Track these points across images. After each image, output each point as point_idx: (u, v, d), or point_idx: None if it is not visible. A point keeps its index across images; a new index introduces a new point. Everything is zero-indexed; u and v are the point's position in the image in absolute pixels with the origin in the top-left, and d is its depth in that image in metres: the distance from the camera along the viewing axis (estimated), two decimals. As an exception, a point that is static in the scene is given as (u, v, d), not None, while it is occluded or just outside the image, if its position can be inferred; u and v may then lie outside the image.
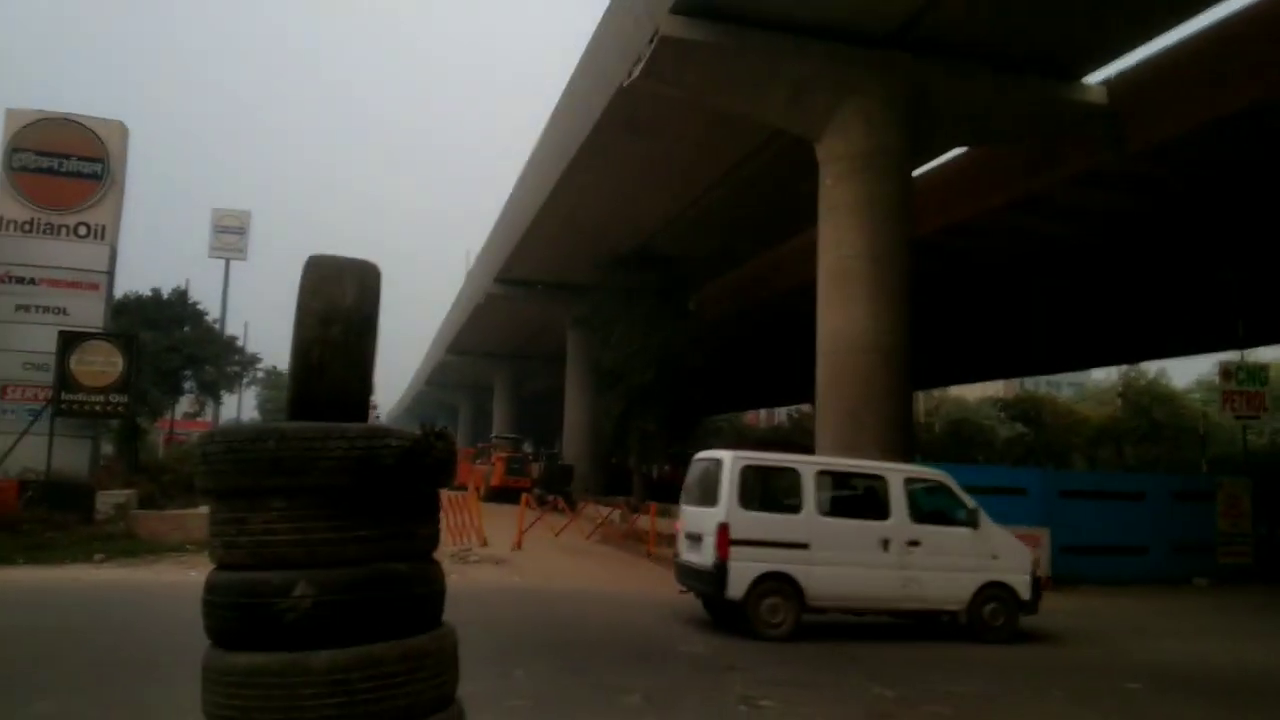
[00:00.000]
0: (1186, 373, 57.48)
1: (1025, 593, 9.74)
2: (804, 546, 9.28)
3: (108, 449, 21.27)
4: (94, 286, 18.04)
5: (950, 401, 52.77)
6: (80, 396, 16.18)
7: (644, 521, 18.45)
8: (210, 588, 2.90)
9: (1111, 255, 20.57)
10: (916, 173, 16.57)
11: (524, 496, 19.44)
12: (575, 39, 21.15)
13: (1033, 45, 14.66)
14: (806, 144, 15.71)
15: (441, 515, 3.34)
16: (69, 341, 16.24)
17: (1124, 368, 40.08)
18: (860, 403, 14.11)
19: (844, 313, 14.48)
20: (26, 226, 17.80)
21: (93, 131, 18.43)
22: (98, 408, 16.48)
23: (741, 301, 29.83)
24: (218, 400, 38.55)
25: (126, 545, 13.46)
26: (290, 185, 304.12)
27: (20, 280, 17.58)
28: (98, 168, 18.27)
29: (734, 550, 9.09)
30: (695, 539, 9.80)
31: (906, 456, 13.87)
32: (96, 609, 9.35)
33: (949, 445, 34.47)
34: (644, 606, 11.28)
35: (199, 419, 40.46)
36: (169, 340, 28.89)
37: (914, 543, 9.52)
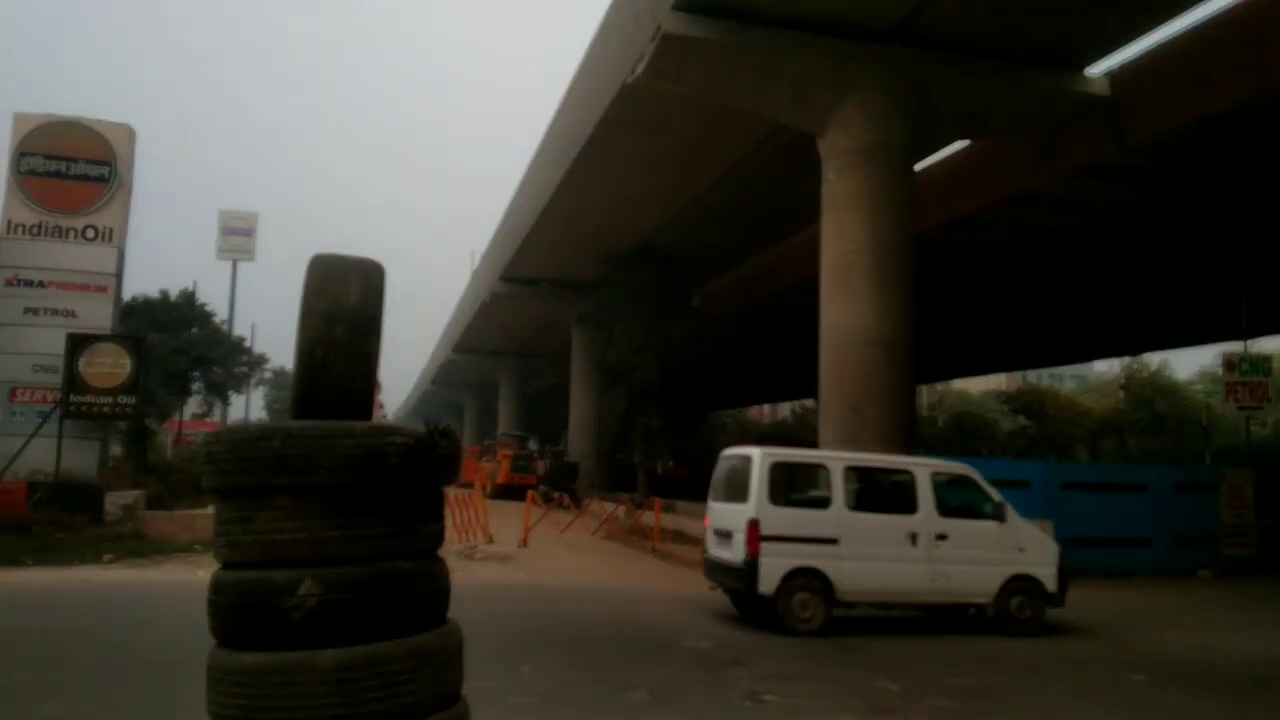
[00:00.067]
0: (1189, 364, 57.50)
1: (1051, 585, 9.84)
2: (833, 542, 9.37)
3: (116, 450, 21.39)
4: (102, 289, 18.15)
5: (953, 395, 52.69)
6: (89, 398, 16.29)
7: (649, 517, 18.49)
8: (215, 587, 2.91)
9: (1114, 247, 20.53)
10: (918, 167, 16.57)
11: (529, 493, 19.51)
12: (579, 39, 21.16)
13: (1032, 38, 14.63)
14: (806, 142, 15.72)
15: (447, 512, 3.38)
16: (77, 344, 16.35)
17: (1126, 360, 39.96)
18: (863, 397, 14.13)
19: (846, 307, 14.50)
20: (35, 230, 17.92)
21: (100, 134, 18.54)
22: (106, 409, 16.59)
23: (744, 298, 29.83)
24: (226, 401, 38.68)
25: (135, 546, 13.56)
26: (296, 186, 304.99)
27: (29, 283, 17.71)
28: (105, 170, 18.38)
29: (764, 546, 9.18)
30: (724, 535, 9.88)
31: (910, 450, 13.91)
32: (105, 610, 9.42)
33: (952, 439, 34.35)
34: (649, 602, 11.33)
35: (207, 420, 40.60)
36: (177, 342, 28.99)
37: (942, 536, 9.61)
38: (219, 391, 35.24)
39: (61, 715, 5.63)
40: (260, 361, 38.19)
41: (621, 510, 20.75)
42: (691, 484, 31.72)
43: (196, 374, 31.30)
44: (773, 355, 34.65)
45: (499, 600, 10.44)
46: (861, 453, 11.85)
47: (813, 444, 15.33)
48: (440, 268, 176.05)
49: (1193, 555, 15.88)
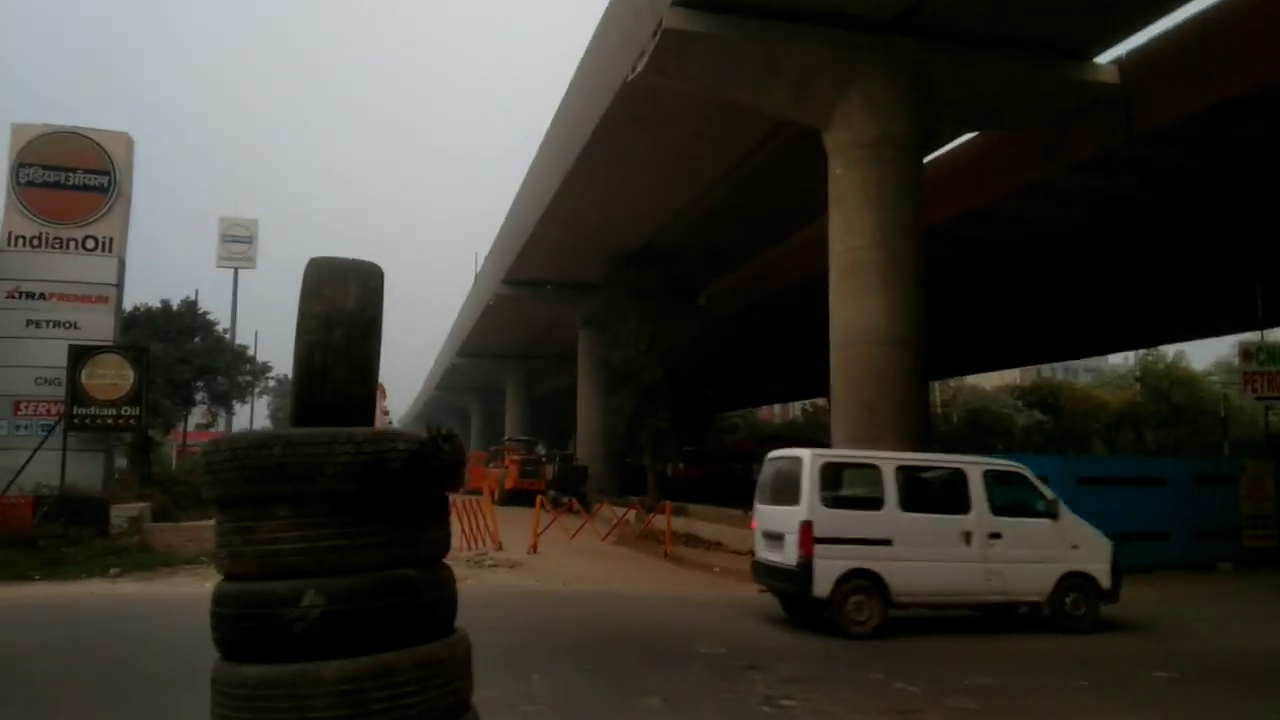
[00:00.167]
0: (1205, 355, 57.17)
1: (1106, 581, 9.83)
2: (887, 543, 9.33)
3: (121, 462, 21.33)
4: (103, 300, 18.07)
5: (967, 390, 52.55)
6: (92, 410, 16.19)
7: (660, 521, 18.35)
8: (217, 599, 2.87)
9: (1127, 239, 20.37)
10: (926, 160, 16.41)
11: (538, 499, 19.37)
12: (580, 38, 21.07)
13: (1037, 26, 14.48)
14: (807, 140, 15.58)
15: (455, 519, 3.28)
16: (79, 355, 16.25)
17: (1141, 352, 39.77)
18: (876, 394, 13.96)
19: (856, 304, 14.34)
20: (35, 241, 17.85)
21: (98, 144, 18.47)
22: (110, 421, 16.48)
23: (749, 297, 29.74)
24: (230, 411, 38.63)
25: (141, 559, 13.46)
26: (296, 191, 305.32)
27: (30, 295, 17.63)
28: (104, 180, 18.31)
29: (818, 548, 9.12)
30: (775, 538, 9.82)
31: (924, 447, 13.78)
32: (112, 623, 9.34)
33: (967, 435, 34.24)
34: (661, 607, 11.21)
35: (211, 430, 40.59)
36: (179, 352, 28.89)
37: (995, 535, 9.57)
38: (223, 401, 35.17)
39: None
40: (264, 370, 38.13)
41: (632, 514, 20.61)
42: (702, 486, 31.71)
43: (200, 384, 31.20)
44: (780, 355, 34.55)
45: (509, 607, 10.33)
46: (913, 453, 11.84)
47: (825, 444, 15.17)
48: (444, 270, 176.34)
49: (1213, 548, 15.69)
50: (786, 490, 9.73)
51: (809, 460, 9.49)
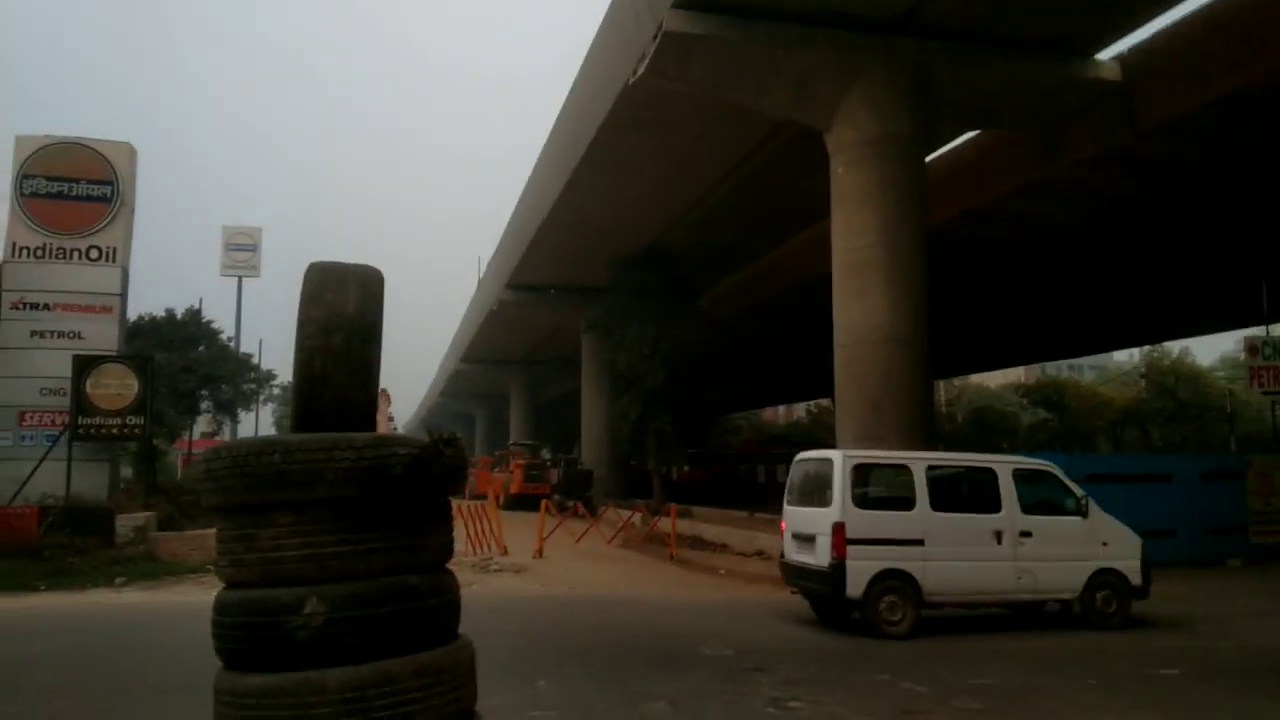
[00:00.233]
0: (1210, 351, 56.96)
1: (1136, 578, 9.88)
2: (919, 543, 9.34)
3: (126, 472, 21.33)
4: (107, 309, 18.07)
5: (971, 389, 52.49)
6: (97, 420, 16.20)
7: (665, 524, 18.31)
8: (219, 607, 2.85)
9: (1128, 237, 20.31)
10: (926, 160, 16.37)
11: (544, 503, 19.35)
12: (581, 38, 21.10)
13: (1039, 24, 14.43)
14: (808, 141, 15.54)
15: (460, 525, 3.26)
16: (84, 365, 16.26)
17: (1146, 348, 39.66)
18: (880, 394, 13.93)
19: (860, 303, 14.31)
20: (39, 252, 17.86)
21: (101, 154, 18.47)
22: (115, 431, 16.50)
23: (752, 298, 29.67)
24: (235, 419, 38.71)
25: (147, 568, 13.47)
26: (298, 198, 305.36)
27: (34, 306, 17.63)
28: (107, 190, 18.31)
29: (850, 549, 9.13)
30: (806, 539, 9.81)
31: (929, 446, 13.75)
32: (117, 633, 9.33)
33: (972, 434, 34.15)
34: (667, 610, 11.17)
35: (216, 438, 40.67)
36: (184, 360, 28.97)
37: (1026, 534, 9.61)
38: (227, 409, 35.28)
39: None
40: (268, 378, 38.20)
41: (637, 517, 20.58)
42: (706, 488, 31.64)
43: (205, 392, 31.30)
44: (783, 355, 34.49)
45: (514, 612, 10.31)
46: (944, 453, 11.78)
47: (830, 444, 15.13)
48: (448, 277, 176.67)
49: (1221, 545, 15.61)
50: (817, 491, 9.75)
51: (840, 461, 9.50)
